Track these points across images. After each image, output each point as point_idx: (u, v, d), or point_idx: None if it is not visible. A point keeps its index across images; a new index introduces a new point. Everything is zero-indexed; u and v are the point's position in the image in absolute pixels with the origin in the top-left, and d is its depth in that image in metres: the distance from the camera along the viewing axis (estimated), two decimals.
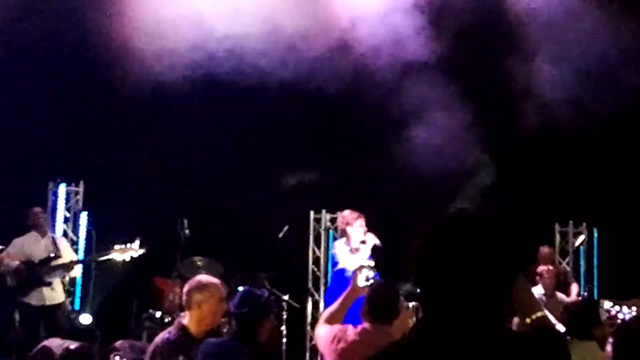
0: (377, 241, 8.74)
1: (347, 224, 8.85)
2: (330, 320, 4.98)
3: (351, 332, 4.75)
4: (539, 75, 10.89)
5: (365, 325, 4.73)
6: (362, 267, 5.13)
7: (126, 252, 9.23)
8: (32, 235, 9.61)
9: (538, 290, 10.03)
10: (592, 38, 10.36)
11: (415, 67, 10.71)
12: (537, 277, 10.24)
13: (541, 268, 10.38)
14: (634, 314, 9.70)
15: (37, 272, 9.27)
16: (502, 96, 11.57)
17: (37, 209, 9.99)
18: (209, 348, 4.78)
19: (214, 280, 5.46)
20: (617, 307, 9.99)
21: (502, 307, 2.06)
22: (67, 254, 9.78)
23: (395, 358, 2.07)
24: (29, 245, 9.46)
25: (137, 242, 9.26)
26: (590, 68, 10.70)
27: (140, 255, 9.29)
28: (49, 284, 9.35)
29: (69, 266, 9.57)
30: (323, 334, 4.88)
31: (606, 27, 10.23)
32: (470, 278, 2.01)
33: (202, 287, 5.25)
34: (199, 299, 5.17)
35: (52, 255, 9.40)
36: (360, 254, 8.60)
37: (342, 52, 10.88)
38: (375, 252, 8.71)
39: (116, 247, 9.27)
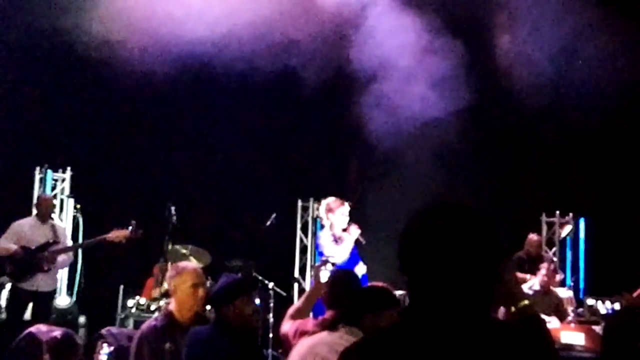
0: (359, 233, 8.73)
1: (329, 210, 8.84)
2: (295, 316, 4.98)
3: (311, 323, 4.72)
4: (526, 62, 10.91)
5: (327, 315, 4.64)
6: (325, 262, 5.13)
7: (121, 235, 9.24)
8: (32, 220, 9.57)
9: (534, 285, 10.04)
10: (581, 27, 10.40)
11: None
12: (537, 272, 10.25)
13: (542, 265, 10.39)
14: (617, 308, 9.75)
15: (34, 257, 9.24)
16: (490, 83, 11.60)
17: (48, 197, 10.04)
18: (191, 337, 4.77)
19: (191, 265, 5.53)
20: (599, 302, 10.06)
21: (487, 296, 2.06)
22: (66, 242, 9.78)
23: (381, 344, 2.07)
24: (29, 230, 9.43)
25: (134, 225, 9.27)
26: (580, 57, 10.74)
27: (135, 239, 9.31)
28: (47, 271, 9.33)
29: (70, 250, 9.58)
30: (287, 329, 4.87)
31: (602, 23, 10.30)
32: (457, 266, 2.01)
33: (178, 272, 5.30)
34: (175, 284, 5.22)
35: (51, 241, 9.38)
36: (344, 244, 8.58)
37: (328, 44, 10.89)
38: (359, 245, 8.73)
39: (113, 231, 9.27)
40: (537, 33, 10.86)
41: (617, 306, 9.92)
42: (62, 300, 10.91)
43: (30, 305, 9.31)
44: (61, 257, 9.48)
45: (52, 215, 9.95)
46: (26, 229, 9.42)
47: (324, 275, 4.99)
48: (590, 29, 10.42)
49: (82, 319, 10.89)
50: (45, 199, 9.83)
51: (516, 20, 11.01)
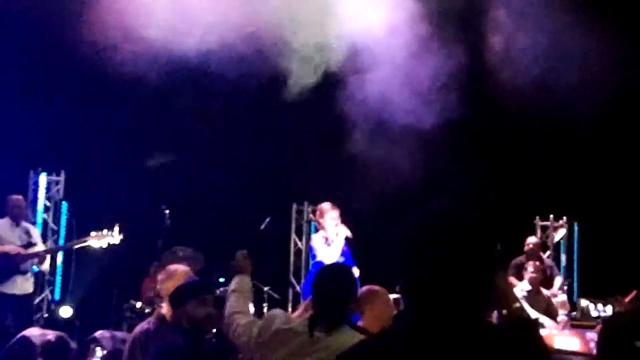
0: (348, 233, 8.82)
1: (320, 214, 8.96)
2: None
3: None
4: (520, 67, 10.93)
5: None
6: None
7: (103, 239, 9.18)
8: (7, 223, 9.48)
9: (524, 286, 10.05)
10: (569, 31, 10.46)
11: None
12: (524, 272, 10.23)
13: (528, 263, 10.39)
14: (609, 312, 9.77)
15: (13, 260, 9.17)
16: (483, 89, 11.62)
17: (18, 197, 9.87)
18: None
19: (182, 268, 5.50)
20: (592, 305, 10.08)
21: (482, 300, 2.07)
22: (40, 244, 9.68)
23: (377, 348, 2.07)
24: (4, 233, 9.35)
25: (116, 229, 9.22)
26: (573, 62, 10.76)
27: (119, 243, 9.25)
28: (25, 273, 9.27)
29: (42, 256, 9.45)
30: None
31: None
32: (452, 271, 2.01)
33: (169, 275, 5.29)
34: (167, 287, 5.21)
35: (26, 243, 9.31)
36: (334, 246, 8.69)
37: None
38: (350, 244, 8.79)
39: (92, 234, 9.21)
40: (526, 37, 10.89)
41: (609, 309, 9.94)
42: (65, 311, 10.83)
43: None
44: (37, 259, 9.40)
45: (44, 218, 9.94)
46: (1, 231, 9.34)
47: None
48: (578, 33, 10.44)
49: (76, 322, 10.86)
50: (14, 200, 9.62)
51: (503, 24, 11.03)
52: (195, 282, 5.04)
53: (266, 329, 4.10)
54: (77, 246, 9.54)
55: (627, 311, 6.24)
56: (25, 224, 9.64)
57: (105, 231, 9.21)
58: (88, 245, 9.27)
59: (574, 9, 10.40)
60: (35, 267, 9.46)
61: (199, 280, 5.30)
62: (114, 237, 9.19)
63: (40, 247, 9.54)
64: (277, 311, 4.38)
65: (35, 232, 9.81)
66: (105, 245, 9.21)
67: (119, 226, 9.22)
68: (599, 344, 3.40)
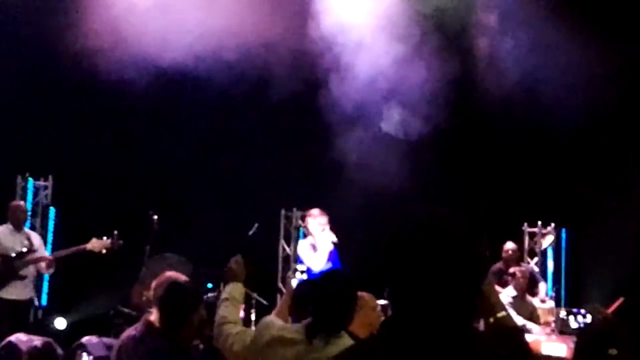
0: (334, 239, 8.83)
1: (307, 221, 9.00)
2: None
3: None
4: (507, 75, 10.97)
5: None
6: (295, 271, 5.11)
7: (103, 245, 9.20)
8: (8, 229, 9.49)
9: (510, 292, 10.06)
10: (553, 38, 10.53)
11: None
12: (509, 278, 10.22)
13: (514, 269, 10.38)
14: (588, 321, 9.78)
15: (13, 265, 9.17)
16: (470, 96, 11.66)
17: (20, 203, 9.93)
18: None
19: (173, 275, 5.46)
20: (572, 317, 10.07)
21: (470, 307, 2.07)
22: (41, 250, 9.70)
23: (362, 355, 2.07)
24: (5, 238, 9.36)
25: (115, 236, 9.23)
26: (559, 70, 10.82)
27: (117, 248, 9.27)
28: (24, 278, 9.27)
29: (47, 264, 9.45)
30: None
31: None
32: (439, 279, 2.02)
33: (160, 282, 5.24)
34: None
35: (26, 250, 9.32)
36: (320, 252, 8.69)
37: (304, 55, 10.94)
38: (338, 249, 8.81)
39: (93, 239, 9.22)
40: (512, 45, 10.94)
41: (588, 319, 9.93)
42: (60, 323, 10.77)
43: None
44: (37, 266, 9.41)
45: (32, 223, 9.92)
46: (1, 238, 9.34)
47: (294, 284, 4.96)
48: (563, 41, 10.51)
49: (62, 327, 10.81)
50: (16, 206, 9.72)
51: (488, 33, 11.09)
52: (196, 290, 5.03)
53: (260, 337, 4.07)
54: (75, 253, 9.51)
55: (602, 320, 6.27)
56: (26, 230, 9.66)
57: (104, 238, 9.23)
58: (89, 251, 9.27)
59: (560, 17, 10.47)
60: (46, 274, 9.47)
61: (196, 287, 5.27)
62: (114, 243, 9.22)
63: (41, 253, 9.54)
64: (270, 318, 4.33)
65: (37, 239, 9.80)
66: (104, 251, 9.22)
67: (117, 232, 9.24)
68: (574, 352, 3.43)
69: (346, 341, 3.81)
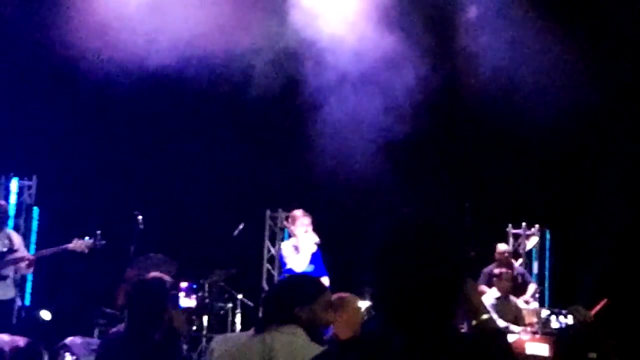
0: (317, 240, 8.83)
1: (292, 222, 8.99)
2: None
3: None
4: (490, 77, 11.01)
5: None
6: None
7: (85, 245, 9.15)
8: None
9: (493, 293, 10.08)
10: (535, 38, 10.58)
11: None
12: (494, 279, 10.24)
13: (498, 270, 10.40)
14: (570, 322, 9.82)
15: None
16: (453, 98, 11.70)
17: (1, 203, 9.83)
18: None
19: (159, 275, 5.47)
20: (554, 316, 10.11)
21: (451, 309, 2.08)
22: (22, 250, 9.62)
23: (345, 356, 2.08)
24: None
25: (97, 235, 9.20)
26: (541, 73, 10.87)
27: (100, 249, 9.23)
28: (5, 278, 9.21)
29: (28, 263, 9.37)
30: None
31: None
32: (421, 280, 2.03)
33: None
34: None
35: (6, 249, 9.25)
36: (302, 253, 8.69)
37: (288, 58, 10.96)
38: (321, 249, 8.81)
39: (75, 239, 9.18)
40: (494, 47, 10.98)
41: (570, 320, 9.98)
42: (45, 314, 10.72)
43: None
44: (17, 266, 9.33)
45: (16, 222, 9.85)
46: None
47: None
48: (543, 43, 10.56)
49: (48, 319, 10.76)
50: None
51: (469, 35, 11.12)
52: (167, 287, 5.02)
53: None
54: (57, 252, 9.46)
55: (582, 324, 6.28)
56: (7, 229, 9.58)
57: (87, 238, 9.19)
58: (71, 251, 9.22)
59: (540, 20, 10.52)
60: (29, 274, 9.42)
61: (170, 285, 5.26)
62: (95, 243, 9.18)
63: (21, 253, 9.47)
64: (216, 340, 4.34)
65: (18, 239, 9.72)
66: (86, 251, 9.18)
67: (100, 232, 9.21)
68: (554, 355, 3.44)
69: (295, 329, 3.84)
